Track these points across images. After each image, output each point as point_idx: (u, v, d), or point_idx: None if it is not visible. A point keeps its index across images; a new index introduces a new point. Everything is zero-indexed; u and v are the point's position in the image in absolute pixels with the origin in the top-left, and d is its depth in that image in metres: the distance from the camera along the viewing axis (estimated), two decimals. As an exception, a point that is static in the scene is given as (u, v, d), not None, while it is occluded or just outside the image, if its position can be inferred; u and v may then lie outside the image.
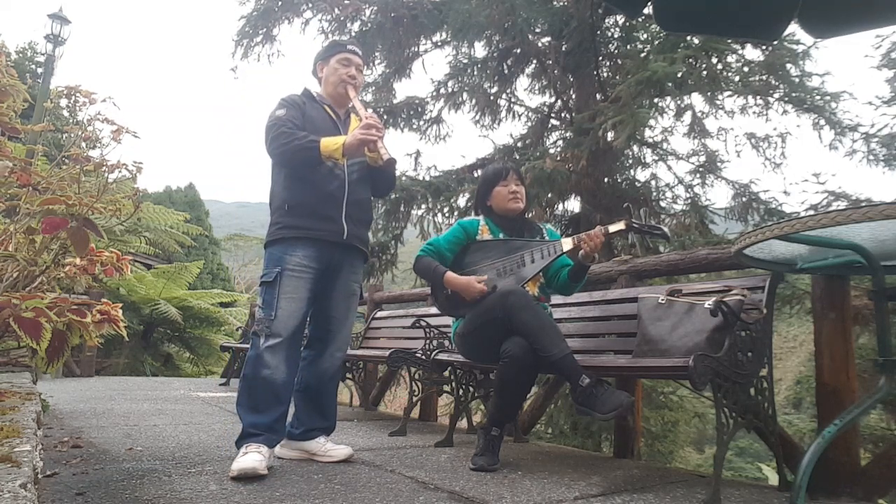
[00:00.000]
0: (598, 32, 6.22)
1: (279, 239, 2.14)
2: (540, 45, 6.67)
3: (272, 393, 2.04)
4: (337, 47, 2.35)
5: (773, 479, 2.22)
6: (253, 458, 1.86)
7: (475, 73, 7.11)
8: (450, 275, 2.35)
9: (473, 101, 7.05)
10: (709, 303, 1.81)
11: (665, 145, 6.46)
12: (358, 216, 2.25)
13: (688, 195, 6.29)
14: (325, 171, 2.16)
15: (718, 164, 6.28)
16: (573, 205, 6.62)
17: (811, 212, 4.22)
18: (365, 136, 2.08)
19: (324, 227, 2.15)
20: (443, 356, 2.82)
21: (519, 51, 6.65)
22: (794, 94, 5.70)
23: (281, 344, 2.05)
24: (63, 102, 2.09)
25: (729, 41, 4.86)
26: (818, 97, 5.65)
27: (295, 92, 2.33)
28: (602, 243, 2.25)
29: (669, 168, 6.65)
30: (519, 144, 6.96)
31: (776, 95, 5.85)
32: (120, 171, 2.08)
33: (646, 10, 1.43)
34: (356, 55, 2.33)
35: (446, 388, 2.96)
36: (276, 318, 2.06)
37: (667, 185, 6.45)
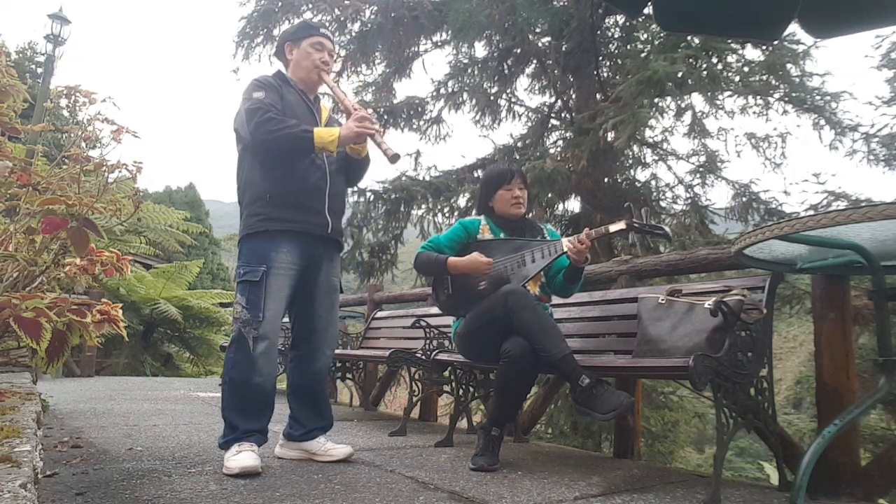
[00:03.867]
0: (598, 32, 6.22)
1: (262, 232, 2.04)
2: (540, 45, 6.67)
3: (263, 400, 2.03)
4: (309, 29, 2.24)
5: (775, 477, 2.22)
6: (250, 456, 1.87)
7: (475, 73, 7.11)
8: (452, 259, 2.35)
9: (473, 101, 7.05)
10: (709, 303, 1.81)
11: (665, 145, 6.47)
12: (338, 208, 2.21)
13: (688, 195, 6.31)
14: (307, 160, 2.09)
15: (718, 164, 6.28)
16: (573, 205, 6.63)
17: (811, 212, 4.22)
18: (362, 130, 2.02)
19: (309, 220, 2.09)
20: (443, 356, 2.82)
21: (519, 51, 6.65)
22: (794, 94, 5.70)
23: (271, 346, 2.01)
24: (63, 102, 2.09)
25: (729, 41, 4.86)
26: (818, 97, 5.65)
27: (268, 74, 2.23)
28: (588, 249, 2.24)
29: (669, 168, 6.66)
30: (519, 144, 6.96)
31: (776, 95, 5.85)
32: (120, 171, 2.08)
33: (646, 10, 1.43)
34: (329, 40, 2.24)
35: (446, 388, 2.95)
36: (265, 319, 1.99)
37: (667, 185, 6.46)
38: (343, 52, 7.34)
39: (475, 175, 6.65)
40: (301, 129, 2.00)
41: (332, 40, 2.26)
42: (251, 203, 2.09)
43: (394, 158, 2.04)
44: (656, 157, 6.55)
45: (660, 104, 5.40)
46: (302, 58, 2.21)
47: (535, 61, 6.90)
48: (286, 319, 2.23)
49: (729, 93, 5.82)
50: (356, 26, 7.21)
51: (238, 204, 2.18)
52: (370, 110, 2.13)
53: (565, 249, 2.30)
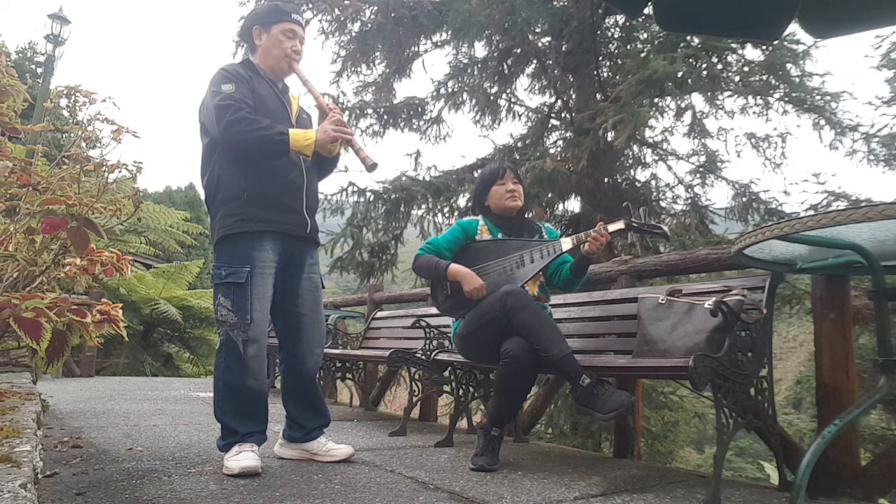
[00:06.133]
0: (598, 32, 6.22)
1: (242, 233, 1.99)
2: (540, 45, 6.67)
3: (260, 402, 2.02)
4: (280, 14, 2.13)
5: (775, 477, 2.22)
6: (250, 456, 1.87)
7: (475, 73, 7.11)
8: (453, 265, 2.34)
9: (473, 101, 7.04)
10: (709, 303, 1.81)
11: (665, 145, 6.47)
12: (314, 207, 2.19)
13: (688, 195, 6.31)
14: (284, 157, 2.05)
15: (718, 164, 6.28)
16: (573, 205, 6.63)
17: (811, 212, 4.23)
18: (338, 134, 2.00)
19: (289, 220, 2.06)
20: (443, 356, 2.82)
21: (519, 51, 6.65)
22: (794, 94, 5.70)
23: (261, 348, 2.00)
24: (63, 102, 2.09)
25: (729, 41, 4.86)
26: (818, 97, 5.65)
27: (236, 63, 2.15)
28: (607, 243, 2.26)
29: (669, 168, 6.66)
30: (519, 144, 6.96)
31: (776, 95, 5.85)
32: (120, 171, 2.07)
33: (646, 10, 1.43)
34: (301, 26, 2.15)
35: (446, 388, 2.96)
36: (253, 321, 1.96)
37: (667, 185, 6.46)
38: (343, 52, 7.34)
39: (475, 175, 6.65)
40: (276, 132, 1.94)
41: (303, 26, 2.18)
42: (226, 202, 2.02)
43: (372, 168, 2.01)
44: (656, 157, 6.55)
45: (660, 104, 5.40)
46: (272, 45, 2.12)
47: (535, 61, 6.89)
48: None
49: (729, 93, 5.82)
50: (356, 26, 7.20)
51: (207, 202, 2.10)
52: (345, 100, 2.09)
53: (565, 249, 2.30)
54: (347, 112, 7.01)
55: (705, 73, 4.98)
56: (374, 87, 7.51)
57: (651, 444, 5.83)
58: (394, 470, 2.05)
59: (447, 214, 6.60)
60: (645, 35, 6.09)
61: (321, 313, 2.25)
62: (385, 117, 7.27)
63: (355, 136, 2.04)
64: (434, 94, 7.34)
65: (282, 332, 2.19)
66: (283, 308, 2.15)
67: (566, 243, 2.31)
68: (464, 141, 8.44)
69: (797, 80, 5.57)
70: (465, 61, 7.16)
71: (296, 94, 2.31)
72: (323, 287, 2.30)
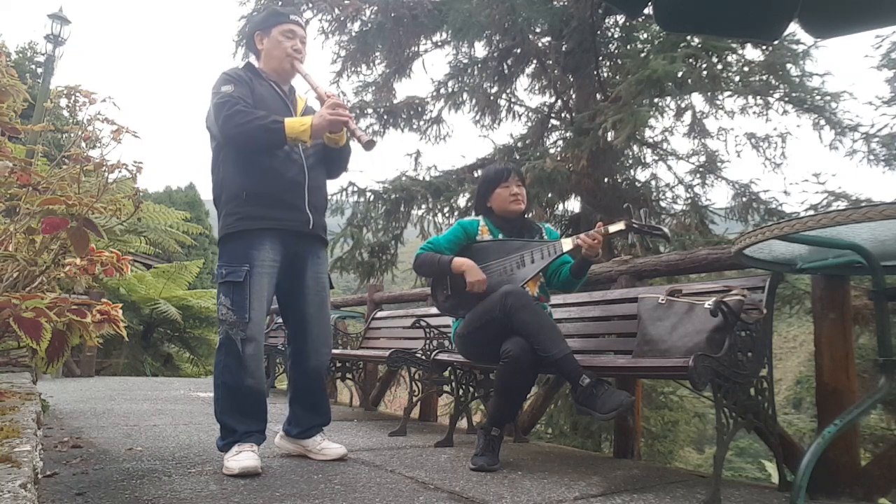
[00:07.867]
0: (598, 32, 6.22)
1: (241, 231, 2.00)
2: (540, 45, 6.68)
3: (258, 401, 2.03)
4: (279, 17, 2.17)
5: (776, 476, 2.22)
6: (250, 456, 1.88)
7: (475, 73, 7.11)
8: (457, 258, 2.34)
9: (473, 101, 7.04)
10: (709, 303, 1.81)
11: (665, 145, 6.47)
12: (319, 203, 2.17)
13: (688, 195, 6.31)
14: (283, 155, 2.05)
15: (718, 164, 6.28)
16: (573, 205, 6.64)
17: (811, 212, 4.22)
18: (335, 118, 1.98)
19: (290, 217, 2.06)
20: (443, 356, 2.82)
21: (519, 51, 6.65)
22: (794, 94, 5.70)
23: (259, 347, 2.01)
24: (63, 102, 2.09)
25: (729, 41, 4.86)
26: (818, 97, 5.65)
27: (238, 67, 2.16)
28: (602, 244, 2.25)
29: (669, 168, 6.66)
30: (519, 144, 6.96)
31: (776, 95, 5.85)
32: (120, 171, 2.07)
33: (646, 10, 1.43)
34: (300, 26, 2.17)
35: (446, 388, 2.96)
36: (251, 320, 1.97)
37: (667, 185, 6.46)
38: (343, 52, 7.34)
39: (475, 175, 6.65)
40: (271, 121, 1.95)
41: (303, 27, 2.19)
42: (228, 202, 2.05)
43: (368, 145, 2.00)
44: (656, 157, 6.55)
45: (660, 104, 5.40)
46: (273, 47, 2.14)
47: (535, 61, 6.89)
48: (279, 319, 2.21)
49: (729, 93, 5.82)
50: (356, 26, 7.20)
51: (215, 204, 2.13)
52: (345, 98, 2.09)
53: (565, 249, 2.30)
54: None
55: (705, 73, 4.98)
56: (374, 87, 7.51)
57: (651, 444, 5.83)
58: (394, 470, 2.05)
59: (447, 214, 6.61)
60: (645, 35, 6.09)
61: (327, 312, 2.24)
62: (385, 117, 7.27)
63: (352, 119, 2.03)
64: (434, 94, 7.34)
65: (289, 331, 2.22)
66: (290, 307, 2.17)
67: (567, 244, 2.31)
68: (464, 141, 8.44)
69: (797, 80, 5.56)
70: (465, 61, 7.17)
71: (303, 96, 2.32)
72: (332, 287, 2.29)
